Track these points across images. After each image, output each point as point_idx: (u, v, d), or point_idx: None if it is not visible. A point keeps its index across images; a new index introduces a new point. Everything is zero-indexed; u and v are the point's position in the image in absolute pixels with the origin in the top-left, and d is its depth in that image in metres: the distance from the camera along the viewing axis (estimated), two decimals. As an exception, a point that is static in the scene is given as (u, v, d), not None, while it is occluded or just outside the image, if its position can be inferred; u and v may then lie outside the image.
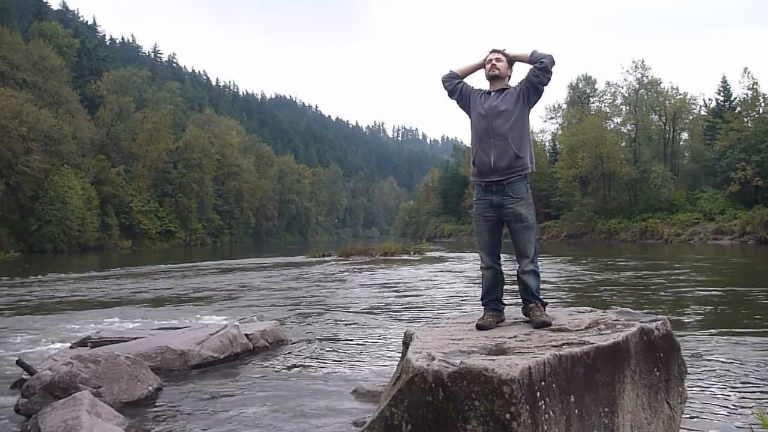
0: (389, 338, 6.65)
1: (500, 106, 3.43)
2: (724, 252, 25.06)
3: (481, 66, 3.64)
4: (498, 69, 3.53)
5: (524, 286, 3.41)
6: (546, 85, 3.44)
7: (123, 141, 60.14)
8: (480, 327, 3.27)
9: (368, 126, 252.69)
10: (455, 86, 3.67)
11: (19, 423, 3.86)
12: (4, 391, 4.68)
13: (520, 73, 3.58)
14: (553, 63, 3.40)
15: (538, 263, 3.50)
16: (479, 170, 3.48)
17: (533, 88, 3.44)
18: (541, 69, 3.40)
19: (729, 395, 4.23)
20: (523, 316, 3.46)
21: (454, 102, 3.71)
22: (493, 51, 3.60)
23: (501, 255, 3.60)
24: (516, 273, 3.48)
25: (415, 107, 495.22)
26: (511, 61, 3.59)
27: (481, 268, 3.57)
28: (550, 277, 13.82)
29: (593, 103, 59.42)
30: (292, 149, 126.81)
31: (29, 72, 50.28)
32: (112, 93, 60.04)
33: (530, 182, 3.54)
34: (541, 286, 3.52)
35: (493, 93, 3.52)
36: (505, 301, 3.55)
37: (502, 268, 3.58)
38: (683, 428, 3.19)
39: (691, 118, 51.45)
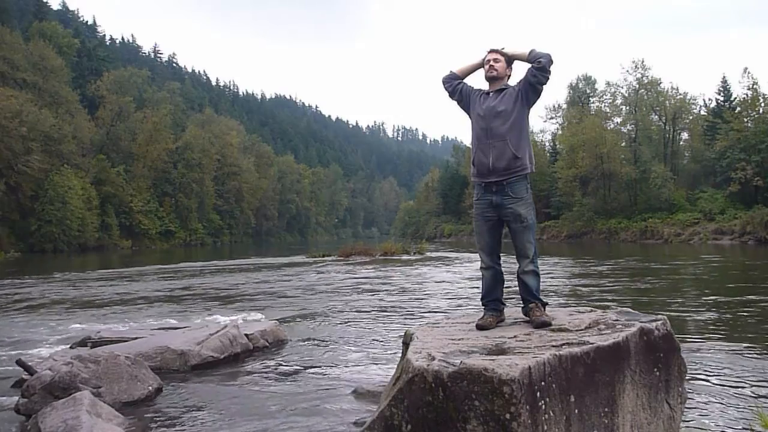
0: (389, 338, 6.65)
1: (498, 106, 3.43)
2: (724, 252, 25.05)
3: (481, 66, 3.64)
4: (496, 70, 3.53)
5: (524, 286, 3.41)
6: (544, 84, 3.43)
7: (123, 141, 60.13)
8: (480, 327, 3.27)
9: (368, 126, 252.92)
10: (455, 87, 3.67)
11: (19, 423, 3.86)
12: (4, 391, 4.68)
13: (520, 72, 3.58)
14: (551, 62, 3.40)
15: (538, 263, 3.50)
16: (478, 171, 3.48)
17: (532, 88, 3.44)
18: (539, 69, 3.39)
19: (729, 395, 4.23)
20: (523, 316, 3.46)
21: (455, 103, 3.71)
22: (491, 51, 3.59)
23: (501, 255, 3.60)
24: (516, 273, 3.48)
25: (415, 107, 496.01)
26: (510, 59, 3.59)
27: (481, 268, 3.57)
28: (550, 278, 13.82)
29: (593, 103, 59.37)
30: (292, 149, 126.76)
31: (29, 72, 50.26)
32: (112, 93, 60.06)
33: (530, 182, 3.54)
34: (541, 287, 3.52)
35: (491, 93, 3.52)
36: (504, 301, 3.55)
37: (502, 268, 3.58)
38: (683, 428, 3.19)
39: (691, 118, 51.39)
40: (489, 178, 3.42)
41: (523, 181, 3.43)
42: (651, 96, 50.99)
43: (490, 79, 3.56)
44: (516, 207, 3.39)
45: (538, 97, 3.47)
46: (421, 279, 14.61)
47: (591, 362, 2.59)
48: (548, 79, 3.42)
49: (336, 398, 4.22)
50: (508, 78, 3.60)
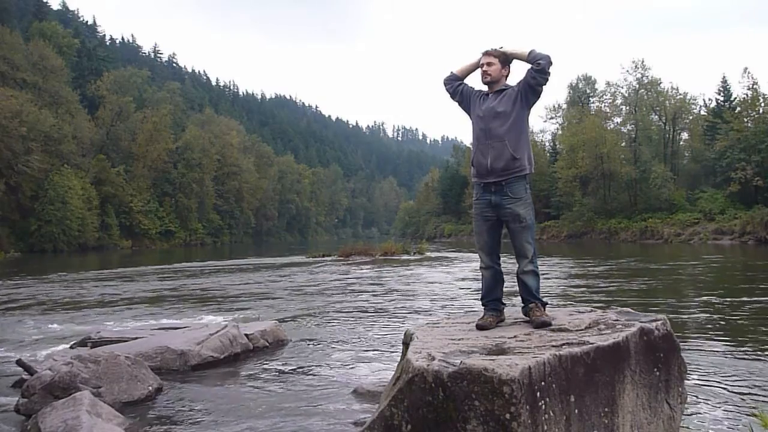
0: (389, 338, 6.65)
1: (498, 107, 3.43)
2: (724, 252, 25.05)
3: (478, 66, 3.63)
4: (490, 75, 3.50)
5: (524, 286, 3.41)
6: (543, 86, 3.42)
7: (123, 141, 60.17)
8: (480, 327, 3.27)
9: (368, 126, 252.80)
10: (456, 88, 3.67)
11: (19, 423, 3.86)
12: (4, 391, 4.69)
13: (519, 71, 3.56)
14: (550, 64, 3.39)
15: (538, 263, 3.49)
16: (477, 171, 3.48)
17: (531, 89, 3.43)
18: (538, 71, 3.38)
19: (728, 395, 4.23)
20: (523, 316, 3.46)
21: (456, 104, 3.71)
22: (485, 54, 3.55)
23: (501, 255, 3.60)
24: (515, 273, 3.48)
25: (415, 107, 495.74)
26: (508, 59, 3.56)
27: (480, 268, 3.57)
28: (550, 278, 13.82)
29: (593, 103, 59.39)
30: (292, 149, 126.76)
31: (29, 72, 50.29)
32: (112, 93, 60.10)
33: (530, 182, 3.54)
34: (541, 287, 3.52)
35: (491, 94, 3.52)
36: (505, 301, 3.55)
37: (502, 268, 3.58)
38: (683, 428, 3.19)
39: (691, 118, 51.39)
40: (487, 178, 3.42)
41: (522, 182, 3.43)
42: (651, 96, 51.00)
43: (485, 84, 3.56)
44: (515, 207, 3.39)
45: (538, 98, 3.46)
46: (420, 279, 14.61)
47: (591, 362, 2.59)
48: (547, 80, 3.41)
49: (335, 398, 4.22)
50: (506, 78, 3.58)
